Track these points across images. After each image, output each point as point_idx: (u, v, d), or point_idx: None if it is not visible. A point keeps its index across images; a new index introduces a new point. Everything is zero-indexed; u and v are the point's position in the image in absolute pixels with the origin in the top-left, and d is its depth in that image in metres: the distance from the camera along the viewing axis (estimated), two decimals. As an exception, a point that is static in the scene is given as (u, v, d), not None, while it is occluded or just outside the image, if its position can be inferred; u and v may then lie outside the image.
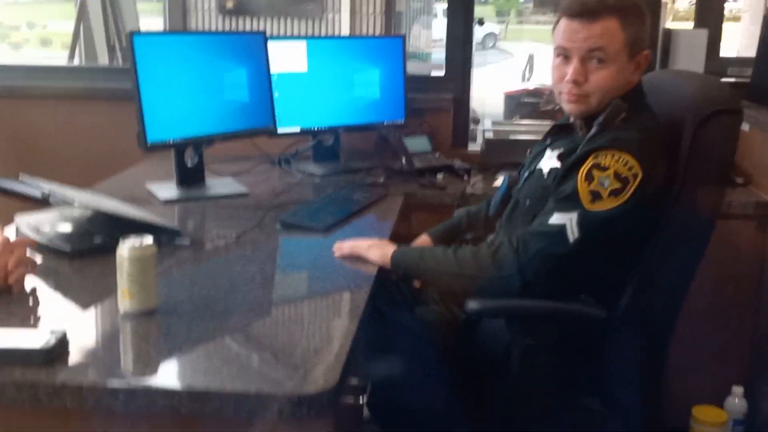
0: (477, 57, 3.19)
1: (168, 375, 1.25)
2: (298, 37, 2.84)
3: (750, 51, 2.88)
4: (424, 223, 2.22)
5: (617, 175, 1.60)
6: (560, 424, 1.80)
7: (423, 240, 2.09)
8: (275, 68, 2.55)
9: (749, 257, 2.35)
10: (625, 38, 1.67)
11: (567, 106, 1.75)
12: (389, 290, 1.98)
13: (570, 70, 1.69)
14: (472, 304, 1.66)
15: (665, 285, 1.72)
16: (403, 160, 2.56)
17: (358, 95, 2.72)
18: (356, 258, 1.79)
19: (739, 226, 2.29)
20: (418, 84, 2.92)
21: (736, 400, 2.35)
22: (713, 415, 2.37)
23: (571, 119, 1.81)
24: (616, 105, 1.68)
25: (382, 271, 1.76)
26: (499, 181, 2.50)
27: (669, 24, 2.81)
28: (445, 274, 1.72)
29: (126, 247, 1.40)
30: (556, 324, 1.70)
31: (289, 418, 1.18)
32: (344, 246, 1.82)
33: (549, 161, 1.79)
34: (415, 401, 1.81)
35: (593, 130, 1.69)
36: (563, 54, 1.72)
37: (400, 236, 1.98)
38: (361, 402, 1.44)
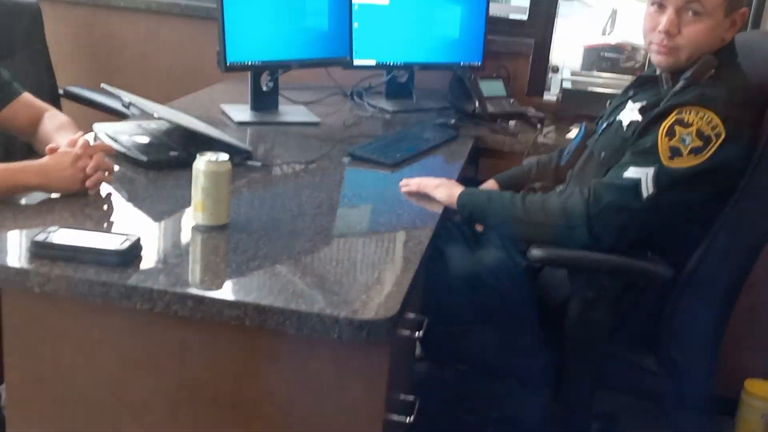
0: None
1: (235, 287, 1.28)
2: (383, -31, 2.81)
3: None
4: (492, 169, 2.20)
5: (699, 133, 1.55)
6: (613, 380, 1.80)
7: (490, 184, 2.08)
8: (357, -2, 2.53)
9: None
10: (725, -8, 1.61)
11: (656, 58, 1.69)
12: (451, 231, 1.98)
13: (664, 19, 1.64)
14: (536, 252, 1.64)
15: (735, 252, 1.67)
16: (477, 104, 2.53)
17: (436, 33, 2.69)
18: (422, 195, 1.79)
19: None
20: (499, 26, 2.86)
21: (790, 378, 2.31)
22: (766, 389, 2.33)
23: (658, 72, 1.75)
24: (706, 61, 1.63)
25: (446, 210, 1.76)
26: (573, 132, 2.45)
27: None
28: (512, 220, 1.71)
29: (203, 162, 1.42)
30: (620, 279, 1.68)
31: (349, 341, 1.20)
32: (411, 182, 1.82)
33: (630, 113, 1.75)
34: (467, 342, 1.83)
35: (679, 85, 1.64)
36: (658, 3, 1.66)
37: (467, 179, 1.97)
38: (416, 336, 1.45)
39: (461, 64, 2.69)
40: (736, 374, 2.34)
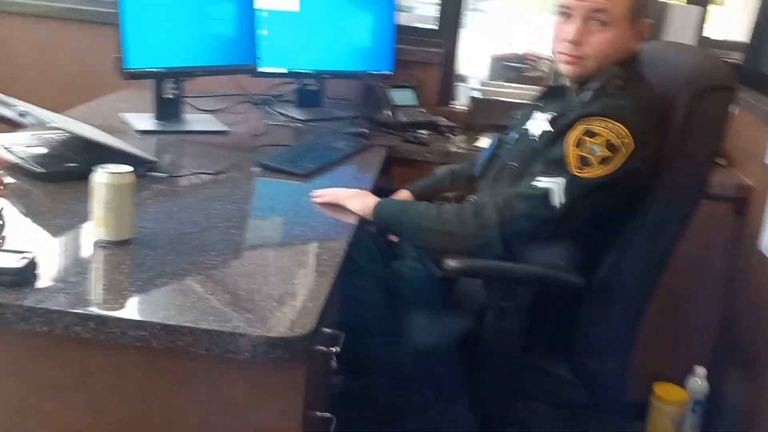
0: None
1: (141, 306, 1.21)
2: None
3: (729, 35, 2.88)
4: (405, 178, 2.18)
5: (608, 144, 1.58)
6: (527, 388, 1.81)
7: (403, 195, 2.06)
8: (266, 4, 2.48)
9: (724, 240, 2.36)
10: (630, 3, 1.64)
11: (563, 67, 1.71)
12: (366, 243, 1.95)
13: (570, 29, 1.66)
14: (451, 263, 1.64)
15: (644, 260, 1.71)
16: (388, 113, 2.52)
17: (347, 41, 2.67)
18: (336, 206, 1.75)
19: (716, 207, 2.28)
20: (409, 35, 2.86)
21: (699, 381, 2.37)
22: (674, 393, 2.39)
23: (565, 82, 1.78)
24: (612, 71, 1.66)
25: (361, 222, 1.73)
26: (484, 141, 2.47)
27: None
28: (427, 230, 1.70)
29: (104, 174, 1.35)
30: (533, 289, 1.69)
31: (263, 360, 1.16)
32: (325, 193, 1.79)
33: (540, 123, 1.76)
34: (384, 355, 1.81)
35: (587, 96, 1.66)
36: (565, 12, 1.68)
37: (380, 189, 1.95)
38: (332, 352, 1.42)
39: (372, 72, 2.68)
40: (645, 379, 2.40)
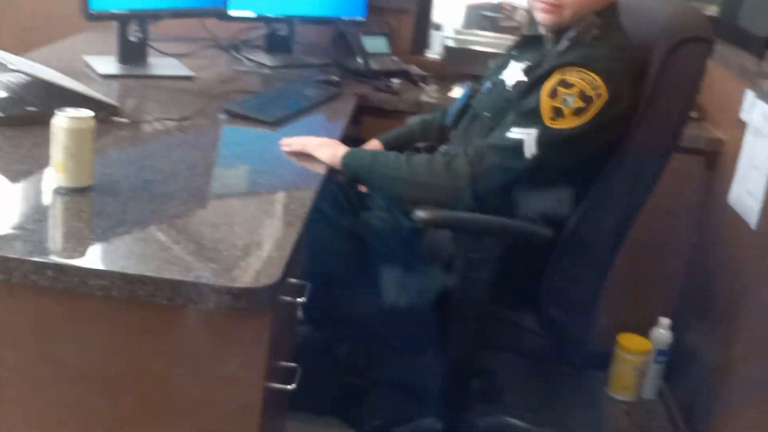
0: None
1: (101, 255, 1.18)
2: None
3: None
4: (375, 128, 2.15)
5: (582, 94, 1.56)
6: (494, 338, 1.81)
7: (373, 144, 2.03)
8: (235, -55, 2.40)
9: (693, 192, 2.37)
10: (608, -50, 1.60)
11: (540, 16, 1.68)
12: (334, 192, 1.92)
13: (548, -22, 1.62)
14: (420, 213, 1.62)
15: (613, 212, 1.70)
16: (360, 60, 2.47)
17: (318, -15, 2.60)
18: (305, 155, 1.72)
19: (687, 160, 2.29)
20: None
21: (662, 331, 2.41)
22: (638, 343, 2.42)
23: (542, 31, 1.74)
24: (589, 21, 1.63)
25: (330, 171, 1.70)
26: (457, 91, 2.44)
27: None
28: (396, 180, 1.68)
29: (64, 118, 1.30)
30: (502, 240, 1.68)
31: (227, 310, 1.14)
32: (293, 142, 1.75)
33: (514, 73, 1.73)
34: (351, 306, 1.80)
35: (563, 45, 1.63)
36: (542, -39, 1.64)
37: (350, 139, 1.92)
38: (297, 301, 1.40)
39: (344, 18, 2.61)
40: (610, 329, 2.42)
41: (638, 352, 2.41)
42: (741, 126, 2.11)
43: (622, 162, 1.62)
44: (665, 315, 2.42)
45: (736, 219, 2.07)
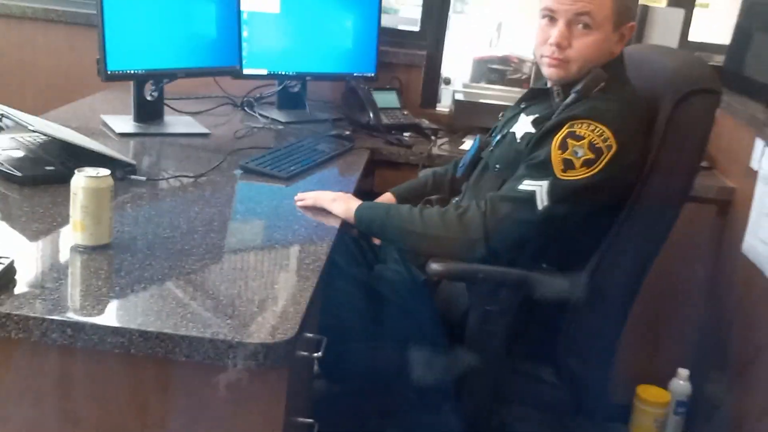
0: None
1: (120, 313, 1.19)
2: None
3: (714, 38, 2.89)
4: (388, 181, 2.18)
5: (591, 146, 1.57)
6: (511, 391, 1.80)
7: (387, 198, 2.05)
8: (247, 6, 2.46)
9: (706, 242, 2.37)
10: (614, 6, 1.64)
11: (547, 70, 1.71)
12: (348, 246, 1.94)
13: (554, 32, 1.65)
14: (434, 266, 1.63)
15: (628, 262, 1.70)
16: (371, 115, 2.50)
17: (329, 43, 2.65)
18: (319, 210, 1.74)
19: (699, 209, 2.29)
20: (392, 37, 2.85)
21: (681, 382, 2.38)
22: (657, 395, 2.39)
23: (549, 84, 1.77)
24: (596, 74, 1.65)
25: (343, 225, 1.71)
26: (468, 143, 2.46)
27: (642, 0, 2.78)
28: (410, 233, 1.68)
29: (82, 178, 1.33)
30: (517, 292, 1.68)
31: (244, 366, 1.14)
32: (307, 196, 1.77)
33: (523, 126, 1.76)
34: (367, 360, 1.79)
35: (571, 98, 1.66)
36: (549, 16, 1.67)
37: (363, 192, 1.94)
38: (314, 356, 1.40)
39: (354, 74, 2.66)
40: (629, 381, 2.40)
41: (658, 404, 2.38)
42: (752, 174, 2.12)
43: (635, 212, 1.63)
44: (684, 365, 2.40)
45: (750, 267, 2.07)
